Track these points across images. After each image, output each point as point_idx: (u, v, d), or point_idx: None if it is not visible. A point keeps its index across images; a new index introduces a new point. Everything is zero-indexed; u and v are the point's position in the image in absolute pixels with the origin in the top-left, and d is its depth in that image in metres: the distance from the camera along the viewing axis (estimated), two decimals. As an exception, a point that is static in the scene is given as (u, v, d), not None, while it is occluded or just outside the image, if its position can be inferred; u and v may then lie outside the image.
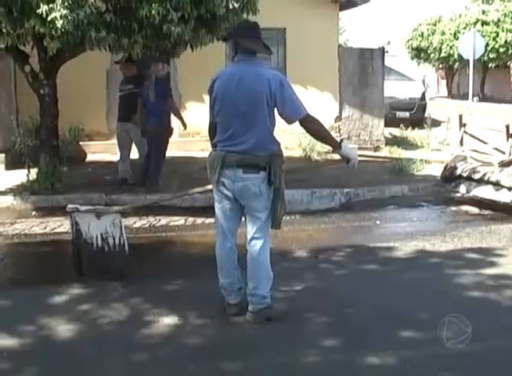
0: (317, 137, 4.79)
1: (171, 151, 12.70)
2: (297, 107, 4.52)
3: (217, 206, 4.75)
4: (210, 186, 4.98)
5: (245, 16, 8.79)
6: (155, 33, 7.88)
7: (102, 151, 12.07)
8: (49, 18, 7.21)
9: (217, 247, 4.80)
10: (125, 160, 9.54)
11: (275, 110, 4.53)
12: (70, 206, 5.63)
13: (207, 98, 4.85)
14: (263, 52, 4.70)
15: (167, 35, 7.83)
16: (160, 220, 8.03)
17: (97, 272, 5.43)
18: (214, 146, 4.68)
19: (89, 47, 7.98)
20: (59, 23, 7.19)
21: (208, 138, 4.89)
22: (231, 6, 8.46)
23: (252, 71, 4.54)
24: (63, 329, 4.57)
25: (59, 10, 7.13)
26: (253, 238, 4.62)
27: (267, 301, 4.67)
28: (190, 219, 8.11)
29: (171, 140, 9.62)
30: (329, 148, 5.19)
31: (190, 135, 13.10)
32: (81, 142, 11.93)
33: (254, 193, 4.51)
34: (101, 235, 5.38)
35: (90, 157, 12.02)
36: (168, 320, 4.70)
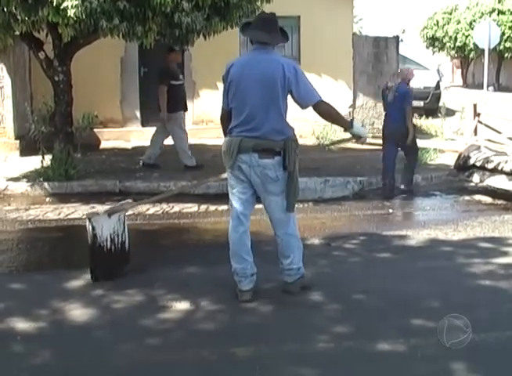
0: (330, 119, 4.96)
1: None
2: (311, 93, 4.65)
3: (231, 191, 4.83)
4: (223, 175, 5.09)
5: (259, 3, 8.77)
6: (167, 21, 7.90)
7: (116, 138, 12.11)
8: (61, 7, 7.23)
9: (230, 231, 4.86)
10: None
11: (290, 95, 4.63)
12: (89, 212, 5.43)
13: (220, 86, 4.91)
14: (275, 42, 4.76)
15: (179, 24, 7.85)
16: (173, 207, 8.05)
17: (106, 275, 5.25)
18: (229, 132, 4.75)
19: (102, 35, 8.00)
20: (71, 12, 7.21)
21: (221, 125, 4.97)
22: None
23: (266, 58, 4.65)
24: (77, 313, 4.61)
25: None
26: (276, 217, 4.81)
27: (301, 271, 4.95)
28: (203, 206, 8.13)
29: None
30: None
31: (204, 122, 13.14)
32: (95, 130, 11.98)
33: (270, 178, 4.63)
34: (110, 236, 5.21)
35: (104, 144, 12.09)
36: (181, 306, 4.74)
